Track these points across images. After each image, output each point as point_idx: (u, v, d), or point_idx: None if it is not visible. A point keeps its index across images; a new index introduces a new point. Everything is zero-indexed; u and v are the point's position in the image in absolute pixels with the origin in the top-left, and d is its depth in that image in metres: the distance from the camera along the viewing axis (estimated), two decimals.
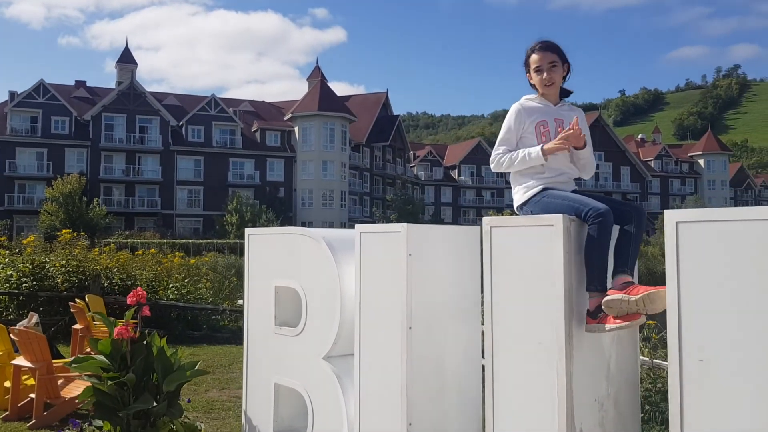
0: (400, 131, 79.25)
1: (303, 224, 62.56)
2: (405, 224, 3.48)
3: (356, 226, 3.80)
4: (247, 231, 4.71)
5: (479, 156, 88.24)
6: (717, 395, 2.28)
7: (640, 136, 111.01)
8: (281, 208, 62.24)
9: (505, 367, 2.99)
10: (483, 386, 3.11)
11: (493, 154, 3.42)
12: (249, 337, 4.63)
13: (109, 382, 4.45)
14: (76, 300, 10.75)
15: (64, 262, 14.16)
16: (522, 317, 2.95)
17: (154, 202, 62.50)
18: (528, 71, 3.51)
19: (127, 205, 61.57)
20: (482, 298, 3.14)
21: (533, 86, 3.49)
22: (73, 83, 67.82)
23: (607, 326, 2.79)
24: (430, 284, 3.50)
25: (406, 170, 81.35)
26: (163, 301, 13.28)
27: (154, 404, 4.43)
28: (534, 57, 3.47)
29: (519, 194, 3.35)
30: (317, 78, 71.91)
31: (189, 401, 6.00)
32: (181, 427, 4.60)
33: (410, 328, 3.45)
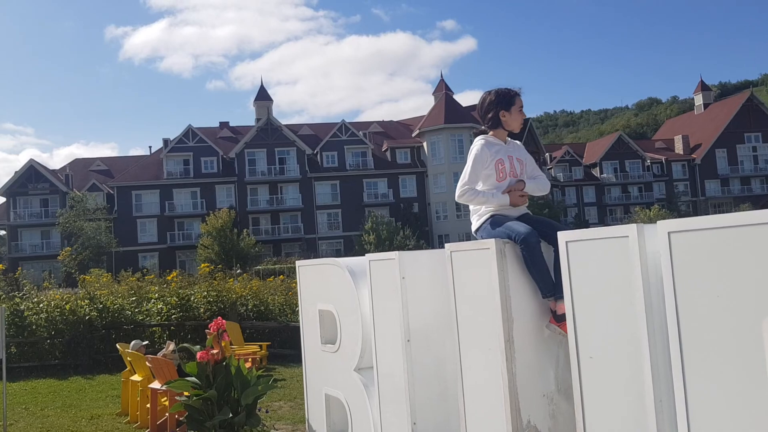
0: (533, 134, 77.97)
1: (439, 237, 63.40)
2: (398, 252, 4.08)
3: (367, 254, 4.45)
4: (297, 263, 5.49)
5: (622, 150, 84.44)
6: (602, 382, 2.71)
7: None
8: (417, 224, 63.50)
9: (468, 369, 3.51)
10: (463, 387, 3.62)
11: (459, 187, 3.92)
12: (305, 354, 5.39)
13: (194, 398, 5.37)
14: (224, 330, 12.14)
15: (205, 293, 15.83)
16: (476, 327, 3.45)
17: (297, 228, 66.19)
18: (503, 109, 3.97)
19: (273, 233, 65.70)
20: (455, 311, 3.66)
21: (496, 123, 3.95)
22: (217, 124, 73.61)
23: (564, 332, 3.22)
24: (423, 302, 4.07)
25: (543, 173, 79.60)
26: (293, 323, 14.43)
27: (231, 415, 5.29)
28: (519, 99, 3.97)
29: (474, 221, 3.86)
30: (442, 91, 72.93)
31: (267, 412, 6.86)
32: None
33: (408, 340, 4.03)
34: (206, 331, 5.71)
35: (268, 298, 16.52)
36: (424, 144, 69.63)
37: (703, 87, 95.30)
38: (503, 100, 3.97)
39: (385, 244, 52.68)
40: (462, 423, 3.55)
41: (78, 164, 72.84)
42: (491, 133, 3.94)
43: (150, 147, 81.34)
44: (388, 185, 69.04)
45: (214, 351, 5.52)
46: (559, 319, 3.31)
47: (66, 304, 14.76)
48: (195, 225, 63.16)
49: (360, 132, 71.12)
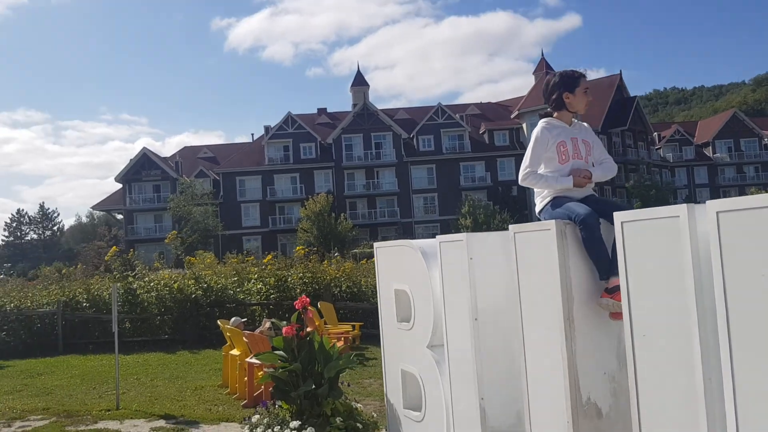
0: (639, 113, 74.74)
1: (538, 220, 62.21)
2: (466, 233, 4.20)
3: (437, 236, 4.59)
4: (375, 245, 5.70)
5: (737, 128, 79.63)
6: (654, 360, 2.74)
7: None
8: (515, 207, 62.61)
9: (530, 347, 3.59)
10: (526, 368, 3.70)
11: (522, 170, 3.98)
12: (383, 331, 5.61)
13: (281, 370, 5.71)
14: (308, 307, 12.66)
15: (301, 274, 16.44)
16: (537, 306, 3.53)
17: (394, 212, 66.87)
18: (567, 91, 4.00)
19: (370, 218, 66.70)
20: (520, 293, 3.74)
21: (560, 105, 3.98)
22: (316, 111, 75.25)
23: (614, 302, 3.26)
24: (490, 282, 4.17)
25: (650, 153, 76.12)
26: None
27: (314, 387, 5.59)
28: (584, 81, 4.00)
29: (537, 203, 3.91)
30: (543, 71, 71.24)
31: (349, 385, 7.14)
32: (341, 406, 5.69)
33: (476, 319, 4.15)
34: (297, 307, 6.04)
35: (361, 279, 16.92)
36: (524, 125, 68.41)
37: None
38: (567, 81, 3.99)
39: (482, 227, 52.29)
40: (525, 399, 3.65)
41: (187, 152, 76.60)
42: (555, 115, 3.97)
43: (252, 134, 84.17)
44: (485, 168, 68.39)
45: (298, 327, 5.84)
46: (611, 291, 3.31)
47: (174, 283, 15.77)
48: (295, 209, 65.08)
49: (457, 114, 70.68)
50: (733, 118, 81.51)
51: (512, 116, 70.80)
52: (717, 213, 2.42)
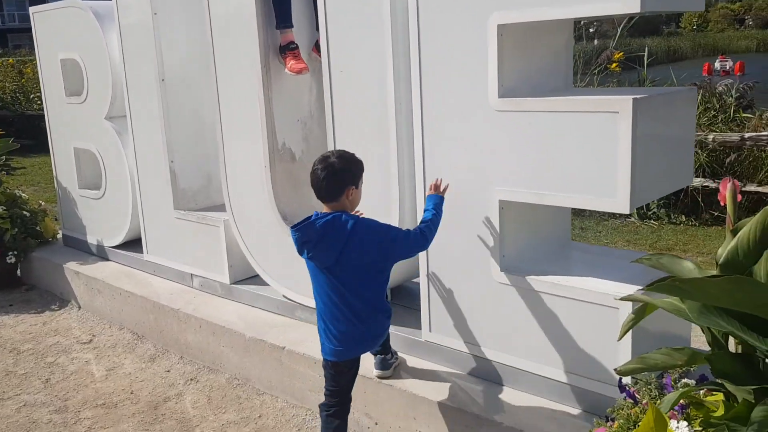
0: None
1: None
2: None
3: None
4: (31, 10, 4.93)
5: None
6: (350, 94, 2.99)
7: None
8: None
9: (227, 100, 3.61)
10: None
11: None
12: (47, 110, 5.05)
13: None
14: None
15: None
16: (233, 59, 3.51)
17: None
18: None
19: None
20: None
21: None
22: None
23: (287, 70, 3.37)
24: (178, 39, 3.99)
25: None
26: (29, 112, 13.17)
27: None
28: None
29: None
30: None
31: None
32: (2, 196, 5.06)
33: (163, 80, 3.98)
34: None
35: None
36: None
37: None
38: None
39: None
40: (220, 152, 3.70)
41: None
42: None
43: None
44: None
45: None
46: (282, 50, 3.41)
47: None
48: None
49: None
50: None
51: None
52: None
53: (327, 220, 2.37)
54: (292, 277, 3.48)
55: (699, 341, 3.28)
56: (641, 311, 1.89)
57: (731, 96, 7.55)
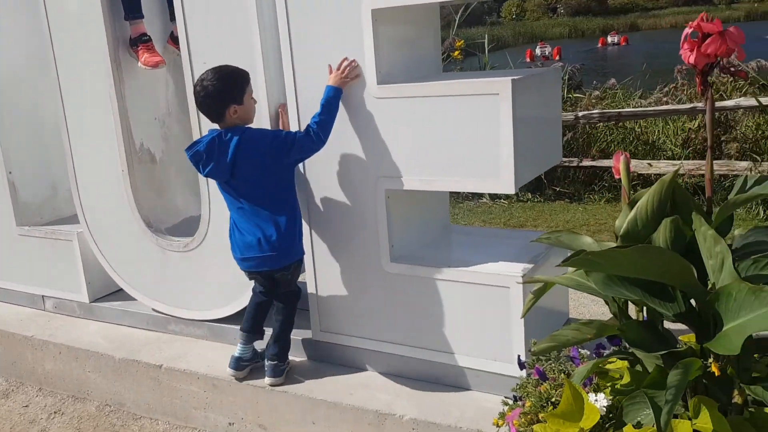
0: None
1: None
2: None
3: None
4: None
5: None
6: None
7: None
8: None
9: (72, 104, 3.26)
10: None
11: None
12: None
13: None
14: None
15: None
16: (78, 57, 3.17)
17: None
18: None
19: None
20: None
21: None
22: None
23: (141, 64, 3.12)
24: (11, 40, 3.56)
25: None
26: None
27: None
28: None
29: None
30: None
31: None
32: None
33: None
34: None
35: None
36: None
37: None
38: None
39: None
40: (68, 158, 3.35)
41: None
42: None
43: None
44: None
45: None
46: (133, 43, 3.15)
47: None
48: None
49: None
50: None
51: None
52: None
53: (210, 139, 2.45)
54: (162, 289, 3.23)
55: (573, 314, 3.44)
56: (541, 290, 1.92)
57: (562, 78, 8.09)
